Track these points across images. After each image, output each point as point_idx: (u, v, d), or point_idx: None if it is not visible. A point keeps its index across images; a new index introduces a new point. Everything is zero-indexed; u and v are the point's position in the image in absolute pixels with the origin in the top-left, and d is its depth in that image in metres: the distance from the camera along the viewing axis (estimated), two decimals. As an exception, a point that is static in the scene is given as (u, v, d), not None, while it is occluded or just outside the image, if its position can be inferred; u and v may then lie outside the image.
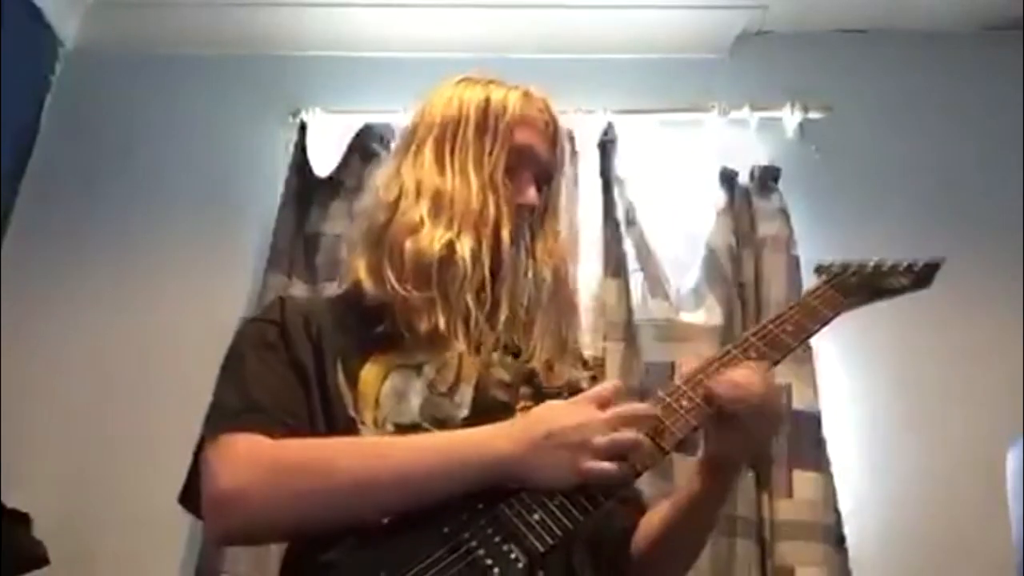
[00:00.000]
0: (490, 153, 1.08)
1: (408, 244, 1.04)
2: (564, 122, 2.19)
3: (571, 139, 2.18)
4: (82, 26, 2.46)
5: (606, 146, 2.20)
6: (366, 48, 2.39)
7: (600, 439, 0.86)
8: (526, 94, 1.14)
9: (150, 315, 2.13)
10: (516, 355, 1.06)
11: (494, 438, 0.88)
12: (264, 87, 2.38)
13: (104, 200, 2.28)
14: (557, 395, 1.02)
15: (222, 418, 0.95)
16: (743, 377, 0.94)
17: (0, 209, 2.23)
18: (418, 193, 1.07)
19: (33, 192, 2.30)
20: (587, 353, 1.39)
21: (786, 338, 1.02)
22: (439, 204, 1.06)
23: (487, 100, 1.11)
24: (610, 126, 2.21)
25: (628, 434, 0.87)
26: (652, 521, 1.06)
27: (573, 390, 1.05)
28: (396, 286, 1.02)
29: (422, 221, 1.05)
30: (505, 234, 1.06)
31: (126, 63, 2.43)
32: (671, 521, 1.04)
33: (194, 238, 2.22)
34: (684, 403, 0.93)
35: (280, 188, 2.19)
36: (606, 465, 0.85)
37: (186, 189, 2.28)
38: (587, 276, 2.06)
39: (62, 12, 2.41)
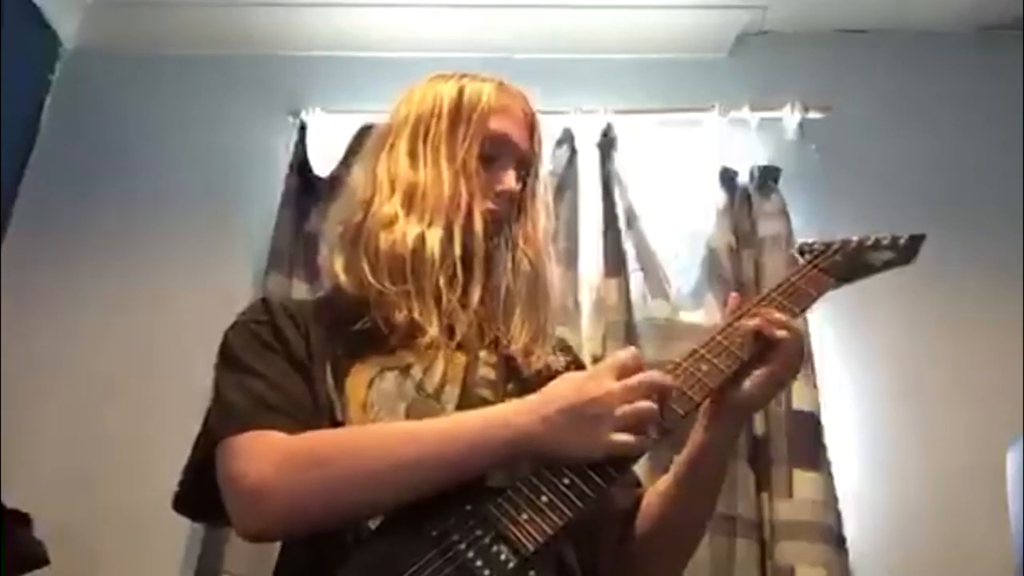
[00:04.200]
0: (463, 141, 1.08)
1: (382, 239, 1.04)
2: (564, 122, 2.23)
3: (571, 138, 2.22)
4: (82, 26, 2.46)
5: (606, 146, 2.20)
6: (366, 48, 2.39)
7: (619, 411, 0.85)
8: (501, 84, 1.13)
9: (150, 315, 2.13)
10: (495, 344, 1.06)
11: (517, 415, 0.87)
12: (264, 87, 2.38)
13: (104, 200, 2.28)
14: (539, 384, 1.00)
15: (236, 419, 0.93)
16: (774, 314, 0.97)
17: (0, 209, 2.23)
18: (392, 188, 1.07)
19: (33, 192, 2.30)
20: (565, 336, 1.36)
21: None
22: (412, 197, 1.06)
23: (460, 91, 1.10)
24: (610, 126, 2.21)
25: (646, 404, 0.86)
26: (658, 490, 1.06)
27: (551, 376, 1.03)
28: (372, 281, 1.02)
29: (395, 216, 1.05)
30: (477, 220, 1.05)
31: (126, 63, 2.43)
32: (681, 479, 1.03)
33: (194, 238, 2.22)
34: (703, 367, 0.94)
35: (280, 188, 2.19)
36: (626, 438, 0.84)
37: (186, 189, 2.28)
38: (587, 276, 2.07)
39: (62, 12, 2.41)
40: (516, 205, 1.12)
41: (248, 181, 2.29)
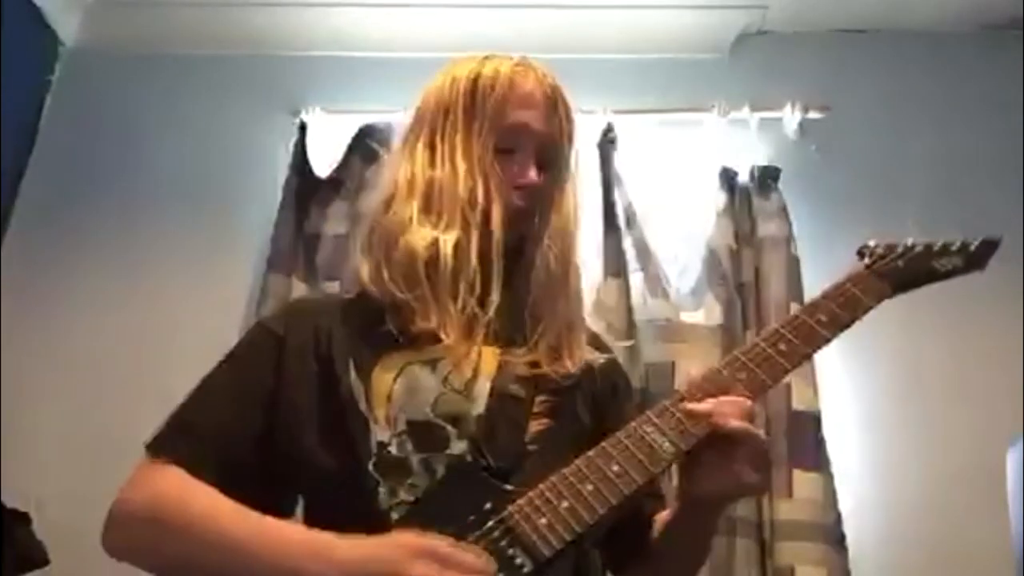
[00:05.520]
0: (479, 135, 1.03)
1: (400, 244, 1.01)
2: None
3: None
4: (82, 26, 2.46)
5: (606, 146, 2.20)
6: (366, 48, 2.39)
7: None
8: (519, 65, 1.08)
9: (150, 315, 2.13)
10: (524, 344, 1.03)
11: (313, 559, 0.82)
12: (264, 87, 2.38)
13: (104, 200, 2.28)
14: (568, 388, 1.00)
15: (158, 435, 1.01)
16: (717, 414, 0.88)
17: (0, 209, 2.23)
18: (410, 189, 1.04)
19: (33, 192, 2.30)
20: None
21: (820, 329, 0.97)
22: (429, 198, 1.03)
23: (476, 79, 1.06)
24: (610, 126, 2.21)
25: None
26: (659, 522, 1.05)
27: (577, 380, 1.03)
28: (392, 287, 1.01)
29: (411, 219, 1.02)
30: (496, 219, 1.01)
31: (126, 63, 2.43)
32: (661, 539, 1.03)
33: (194, 238, 2.22)
34: (615, 468, 0.86)
35: (280, 188, 2.19)
36: None
37: (186, 189, 2.28)
38: (587, 276, 2.06)
39: (62, 12, 2.41)
40: (542, 196, 1.06)
41: (248, 181, 2.29)
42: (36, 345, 2.11)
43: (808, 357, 0.95)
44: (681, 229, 2.14)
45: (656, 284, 2.05)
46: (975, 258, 1.08)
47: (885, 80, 2.32)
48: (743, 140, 2.19)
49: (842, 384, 1.98)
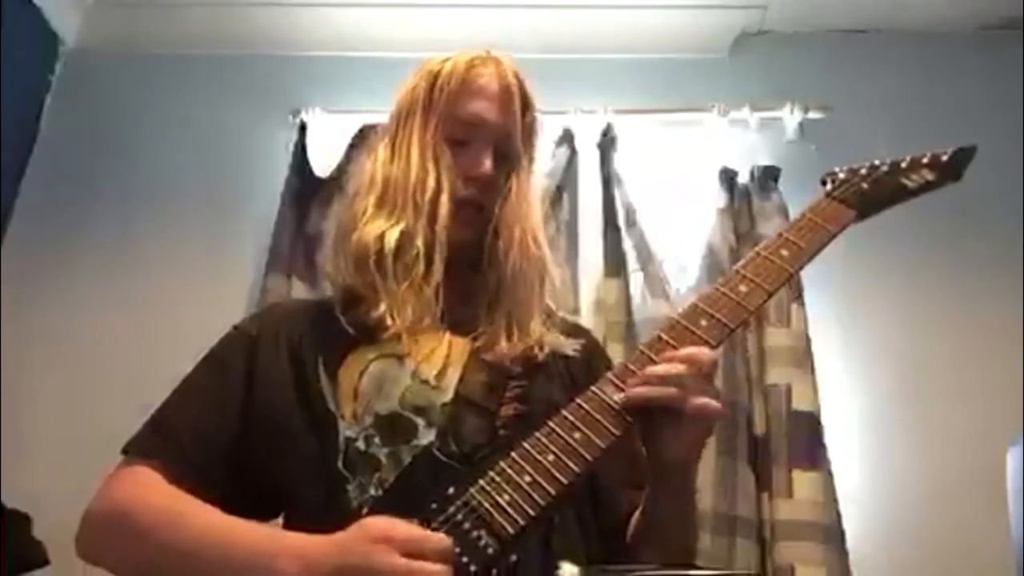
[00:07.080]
0: (433, 127, 1.06)
1: (353, 238, 1.04)
2: (564, 122, 2.23)
3: (571, 138, 2.21)
4: (82, 26, 2.46)
5: (606, 146, 2.20)
6: (366, 48, 2.39)
7: None
8: (478, 58, 1.09)
9: (150, 315, 2.13)
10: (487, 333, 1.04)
11: (282, 556, 0.80)
12: (264, 87, 2.38)
13: (104, 200, 2.28)
14: (540, 373, 1.01)
15: (136, 437, 0.99)
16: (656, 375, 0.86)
17: (0, 209, 2.23)
18: (369, 185, 1.07)
19: (33, 192, 2.30)
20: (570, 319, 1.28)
21: (782, 264, 0.93)
22: (385, 193, 1.05)
23: (436, 74, 1.09)
24: (610, 126, 2.21)
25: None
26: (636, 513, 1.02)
27: (550, 365, 1.03)
28: (347, 279, 1.04)
29: (364, 212, 1.05)
30: (443, 209, 1.02)
31: (126, 63, 2.43)
32: (640, 523, 1.00)
33: (194, 238, 2.22)
34: (525, 478, 0.82)
35: (280, 188, 2.19)
36: None
37: (186, 189, 2.28)
38: (587, 276, 2.07)
39: (62, 12, 2.41)
40: (495, 187, 1.07)
41: (248, 181, 2.29)
42: (36, 345, 2.11)
43: (771, 295, 0.91)
44: (681, 229, 2.14)
45: (656, 284, 2.05)
46: (949, 169, 1.01)
47: (885, 80, 2.32)
48: (743, 140, 2.20)
49: (842, 384, 1.98)
